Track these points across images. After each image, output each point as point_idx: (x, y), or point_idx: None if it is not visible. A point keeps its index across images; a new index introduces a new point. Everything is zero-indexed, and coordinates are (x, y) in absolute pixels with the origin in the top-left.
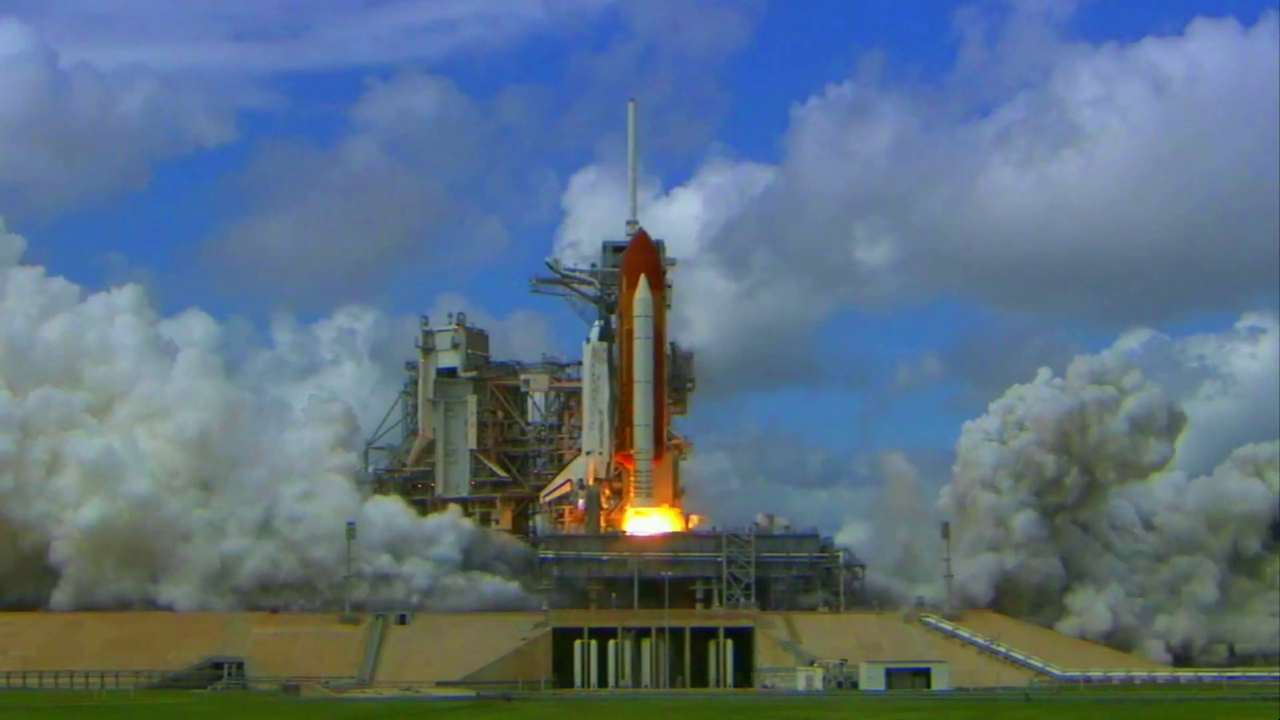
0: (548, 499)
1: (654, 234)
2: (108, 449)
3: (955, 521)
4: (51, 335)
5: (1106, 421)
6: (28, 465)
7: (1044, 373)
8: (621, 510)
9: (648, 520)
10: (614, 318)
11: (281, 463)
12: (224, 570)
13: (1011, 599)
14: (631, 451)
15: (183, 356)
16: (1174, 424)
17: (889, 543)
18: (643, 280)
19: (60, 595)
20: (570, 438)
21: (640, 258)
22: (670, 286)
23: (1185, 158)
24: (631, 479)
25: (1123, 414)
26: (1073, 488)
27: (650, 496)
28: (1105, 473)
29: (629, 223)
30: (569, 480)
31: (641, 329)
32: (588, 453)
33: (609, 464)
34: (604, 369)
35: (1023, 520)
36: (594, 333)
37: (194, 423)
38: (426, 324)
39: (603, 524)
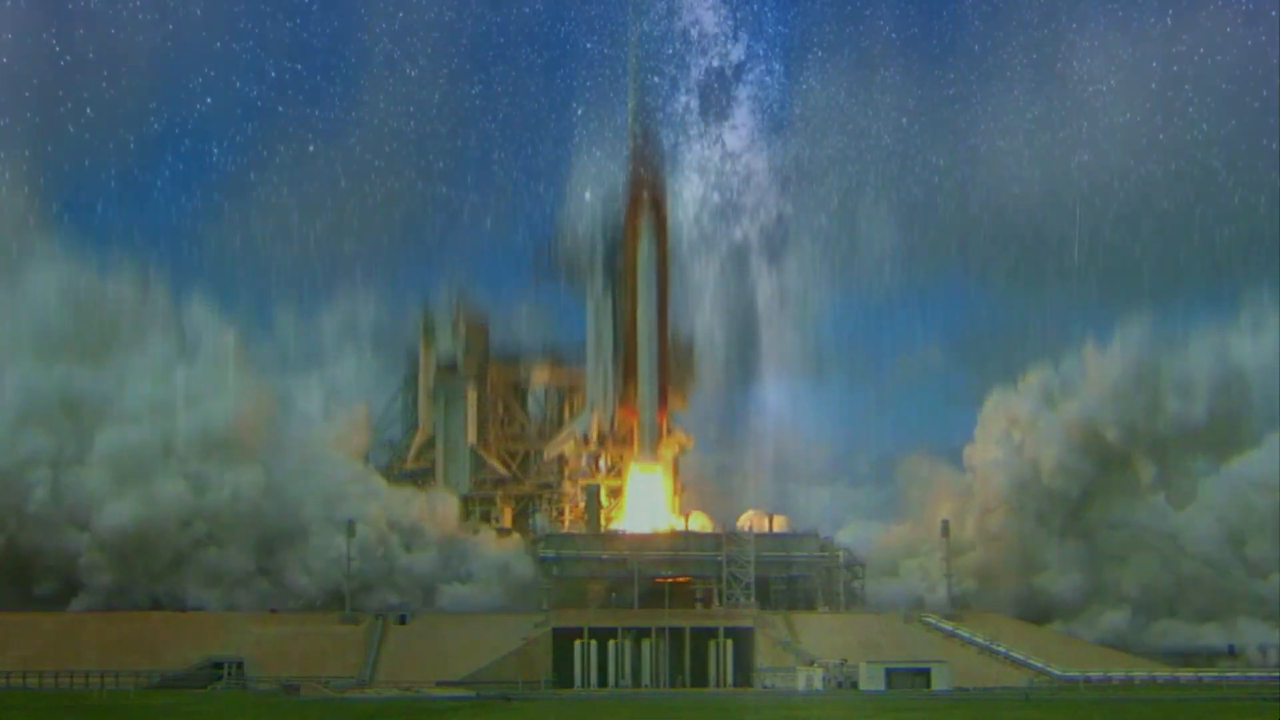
0: (551, 455)
1: (654, 219)
2: (137, 445)
3: (971, 532)
4: (80, 328)
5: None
6: (54, 463)
7: (1066, 365)
8: (623, 465)
9: (652, 477)
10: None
11: (299, 464)
12: (250, 576)
13: (1032, 610)
14: (635, 405)
15: (205, 346)
16: (1230, 432)
17: (900, 547)
18: (646, 230)
19: (85, 595)
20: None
21: (643, 208)
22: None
23: (1190, 136)
24: (635, 433)
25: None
26: (1096, 494)
27: (654, 452)
28: (1134, 478)
29: (627, 206)
30: (572, 432)
31: (644, 279)
32: (592, 406)
33: (613, 417)
34: (608, 322)
35: (1043, 533)
36: (598, 285)
37: (219, 414)
38: (427, 315)
39: (602, 523)
